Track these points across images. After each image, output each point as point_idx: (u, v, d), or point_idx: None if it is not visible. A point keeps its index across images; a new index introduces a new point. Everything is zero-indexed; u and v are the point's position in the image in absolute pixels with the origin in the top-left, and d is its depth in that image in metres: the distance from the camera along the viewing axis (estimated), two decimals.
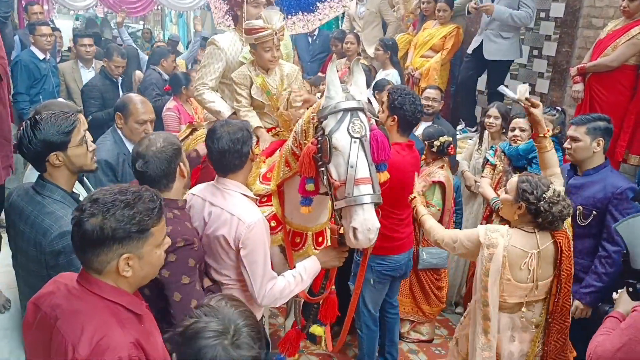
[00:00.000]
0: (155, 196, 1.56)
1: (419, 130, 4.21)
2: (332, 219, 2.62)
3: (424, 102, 4.26)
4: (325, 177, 2.19)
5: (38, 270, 2.10)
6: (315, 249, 2.67)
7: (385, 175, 2.24)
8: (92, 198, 1.49)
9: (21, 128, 2.11)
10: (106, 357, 1.40)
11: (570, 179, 3.13)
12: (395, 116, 3.06)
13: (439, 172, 3.84)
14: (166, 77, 5.78)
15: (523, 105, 2.75)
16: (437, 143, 3.81)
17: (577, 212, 2.99)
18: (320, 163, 2.19)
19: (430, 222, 2.84)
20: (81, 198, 2.33)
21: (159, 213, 1.55)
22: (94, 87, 5.30)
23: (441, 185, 3.82)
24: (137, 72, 6.98)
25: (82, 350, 1.40)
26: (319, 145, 2.17)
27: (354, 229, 2.09)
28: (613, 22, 4.40)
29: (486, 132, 4.37)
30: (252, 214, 2.28)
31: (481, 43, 5.51)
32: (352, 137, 2.10)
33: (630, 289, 1.98)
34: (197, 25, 8.37)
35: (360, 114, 2.16)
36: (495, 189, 3.76)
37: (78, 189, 2.45)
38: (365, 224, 2.08)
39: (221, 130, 2.30)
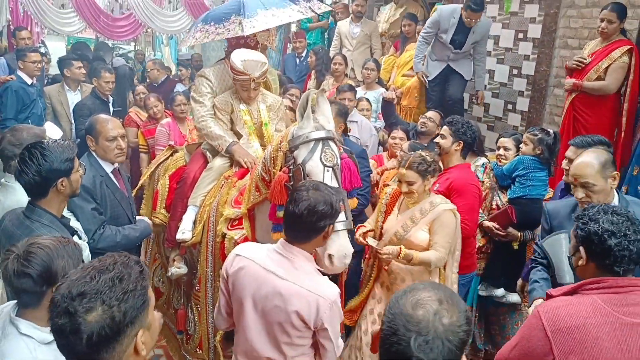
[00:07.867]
0: (133, 257, 1.35)
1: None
2: None
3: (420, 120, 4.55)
4: None
5: None
6: None
7: (355, 202, 2.31)
8: (73, 294, 1.22)
9: (23, 158, 2.13)
10: None
11: (564, 198, 3.07)
12: (461, 142, 3.41)
13: None
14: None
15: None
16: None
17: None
18: (291, 191, 2.20)
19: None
20: (71, 223, 2.40)
21: (146, 273, 1.35)
22: (84, 105, 5.40)
23: None
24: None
25: None
26: (291, 174, 2.22)
27: (330, 255, 2.12)
28: (590, 44, 4.45)
29: None
30: (330, 289, 2.05)
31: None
32: (324, 165, 2.17)
33: None
34: None
35: (331, 143, 2.24)
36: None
37: (67, 215, 2.51)
38: (341, 250, 2.13)
39: (305, 194, 2.02)
